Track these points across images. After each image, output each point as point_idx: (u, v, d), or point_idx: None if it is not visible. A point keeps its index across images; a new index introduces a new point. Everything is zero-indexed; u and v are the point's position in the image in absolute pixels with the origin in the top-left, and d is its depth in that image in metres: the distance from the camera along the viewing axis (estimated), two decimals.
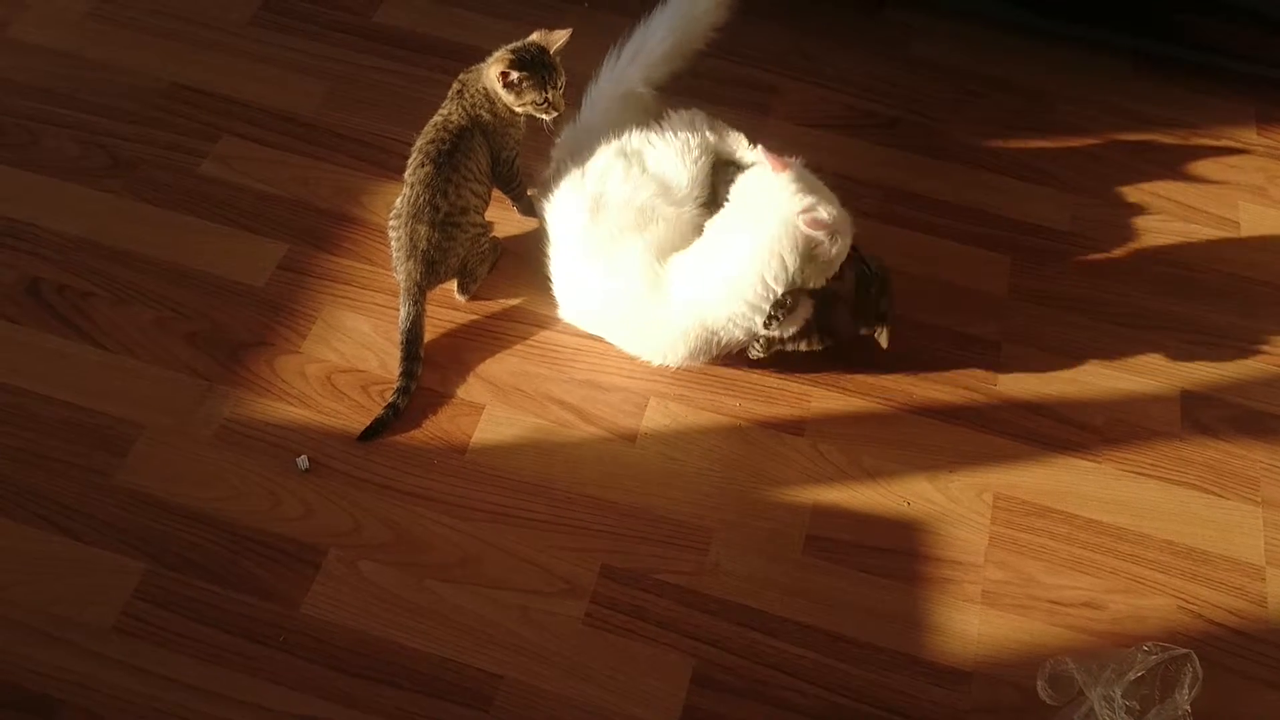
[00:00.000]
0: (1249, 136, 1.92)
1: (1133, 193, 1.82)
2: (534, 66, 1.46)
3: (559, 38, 1.50)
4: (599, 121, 1.57)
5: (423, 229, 1.46)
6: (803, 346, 1.51)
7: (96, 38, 1.85)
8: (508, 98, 1.48)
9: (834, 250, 1.41)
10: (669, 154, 1.51)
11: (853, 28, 2.03)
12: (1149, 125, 1.92)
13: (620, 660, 1.30)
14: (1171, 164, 1.87)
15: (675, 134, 1.53)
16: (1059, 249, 1.73)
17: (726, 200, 1.46)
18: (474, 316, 1.58)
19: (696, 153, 1.51)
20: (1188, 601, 1.39)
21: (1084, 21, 2.01)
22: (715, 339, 1.47)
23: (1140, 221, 1.79)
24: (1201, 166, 1.87)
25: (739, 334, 1.46)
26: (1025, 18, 2.03)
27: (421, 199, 1.46)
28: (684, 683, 1.29)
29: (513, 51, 1.48)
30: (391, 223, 1.51)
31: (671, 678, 1.29)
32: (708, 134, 1.54)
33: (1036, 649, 1.33)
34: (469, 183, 1.49)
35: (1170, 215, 1.80)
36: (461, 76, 1.52)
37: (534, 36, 1.50)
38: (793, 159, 1.43)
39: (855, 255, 1.49)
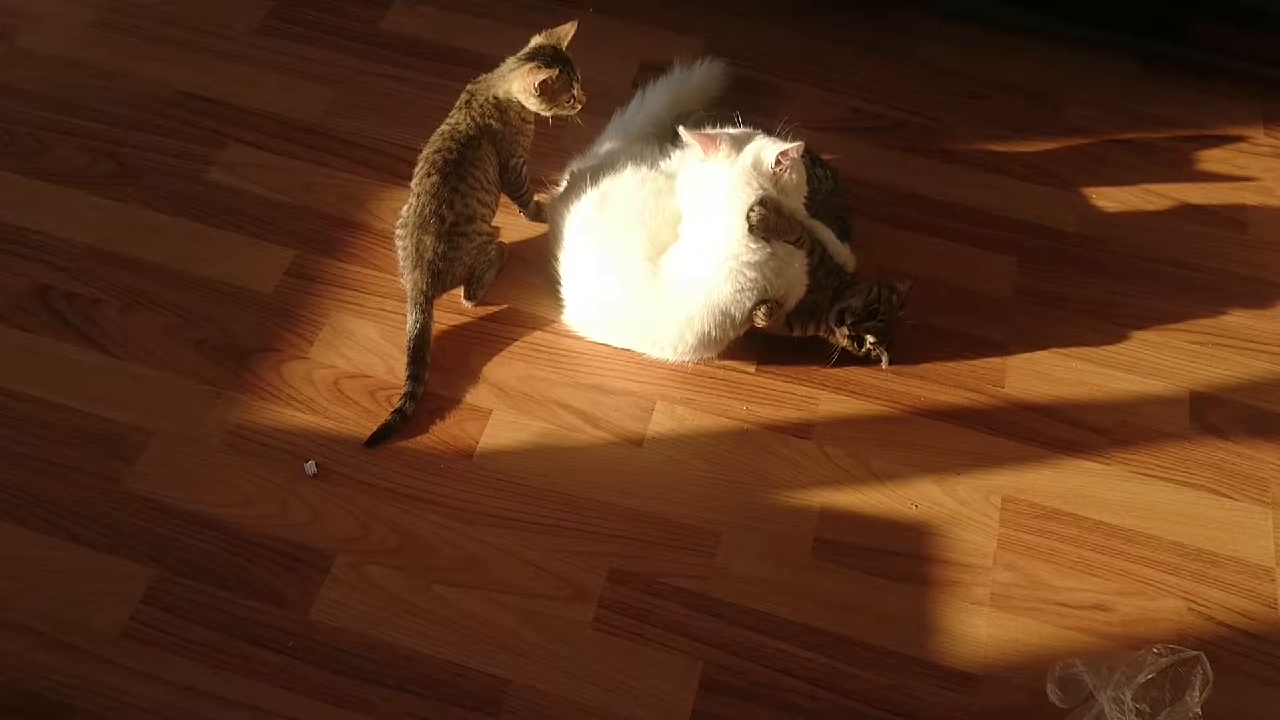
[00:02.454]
0: (1256, 136, 1.92)
1: (1139, 193, 1.82)
2: (558, 64, 1.46)
3: (567, 31, 1.49)
4: (609, 155, 1.60)
5: (429, 239, 1.46)
6: (810, 329, 1.52)
7: (104, 47, 1.86)
8: (538, 103, 1.48)
9: (793, 178, 1.46)
10: (679, 159, 1.53)
11: (858, 31, 2.03)
12: (1155, 126, 1.92)
13: (628, 664, 1.30)
14: (1178, 164, 1.86)
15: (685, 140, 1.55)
16: (1066, 250, 1.73)
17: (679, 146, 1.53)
18: (481, 321, 1.58)
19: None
20: (1197, 603, 1.39)
21: (1089, 23, 2.01)
22: (729, 319, 1.45)
23: (1147, 222, 1.78)
24: (1208, 167, 1.86)
25: (749, 303, 1.44)
26: (1030, 19, 2.02)
27: (427, 209, 1.46)
28: (692, 686, 1.29)
29: (532, 57, 1.47)
30: (398, 232, 1.51)
31: (679, 681, 1.29)
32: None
33: (1046, 651, 1.33)
34: (476, 192, 1.49)
35: (1177, 216, 1.79)
36: (470, 86, 1.52)
37: (539, 39, 1.50)
38: (721, 128, 1.47)
39: (876, 284, 1.50)
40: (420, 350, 1.48)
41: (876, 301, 1.49)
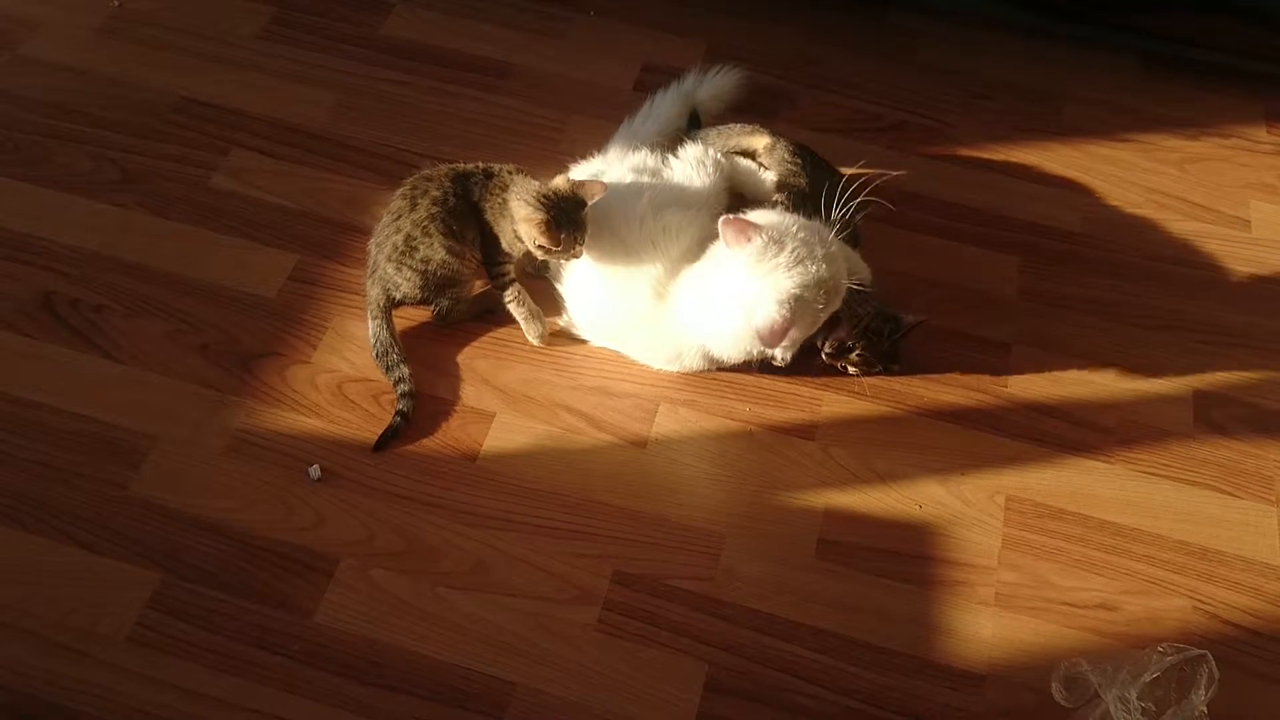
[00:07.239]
0: (1259, 135, 1.91)
1: (1142, 192, 1.82)
2: (569, 226, 1.40)
3: (595, 192, 1.42)
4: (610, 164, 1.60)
5: (380, 258, 1.49)
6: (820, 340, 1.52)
7: (107, 54, 1.87)
8: (536, 250, 1.44)
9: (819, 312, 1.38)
10: (681, 168, 1.54)
11: (859, 32, 2.04)
12: (1157, 125, 1.91)
13: (633, 666, 1.30)
14: (1181, 163, 1.86)
15: (688, 150, 1.57)
16: (1068, 250, 1.73)
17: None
18: (483, 325, 1.58)
19: (710, 166, 1.54)
20: (1203, 602, 1.38)
21: (1090, 22, 2.01)
22: (722, 361, 1.49)
23: (1150, 221, 1.78)
24: (1211, 166, 1.86)
25: (740, 358, 1.47)
26: (1031, 20, 2.03)
27: (386, 230, 1.48)
28: (697, 688, 1.29)
29: (547, 208, 1.40)
30: (372, 239, 1.53)
31: (685, 683, 1.29)
32: (720, 158, 1.58)
33: (1051, 651, 1.33)
34: (439, 235, 1.46)
35: (1180, 215, 1.79)
36: (503, 166, 1.49)
37: (565, 184, 1.42)
38: (763, 220, 1.38)
39: (871, 315, 1.49)
40: (384, 355, 1.49)
41: (862, 335, 1.49)
